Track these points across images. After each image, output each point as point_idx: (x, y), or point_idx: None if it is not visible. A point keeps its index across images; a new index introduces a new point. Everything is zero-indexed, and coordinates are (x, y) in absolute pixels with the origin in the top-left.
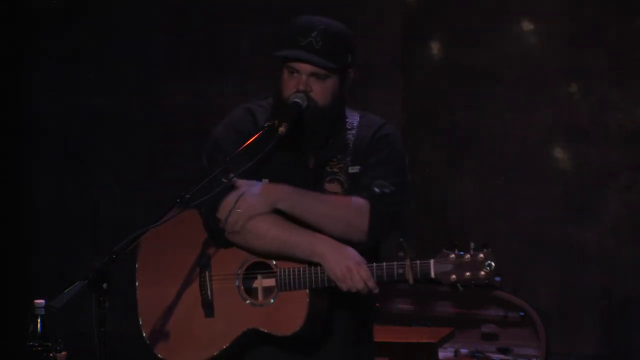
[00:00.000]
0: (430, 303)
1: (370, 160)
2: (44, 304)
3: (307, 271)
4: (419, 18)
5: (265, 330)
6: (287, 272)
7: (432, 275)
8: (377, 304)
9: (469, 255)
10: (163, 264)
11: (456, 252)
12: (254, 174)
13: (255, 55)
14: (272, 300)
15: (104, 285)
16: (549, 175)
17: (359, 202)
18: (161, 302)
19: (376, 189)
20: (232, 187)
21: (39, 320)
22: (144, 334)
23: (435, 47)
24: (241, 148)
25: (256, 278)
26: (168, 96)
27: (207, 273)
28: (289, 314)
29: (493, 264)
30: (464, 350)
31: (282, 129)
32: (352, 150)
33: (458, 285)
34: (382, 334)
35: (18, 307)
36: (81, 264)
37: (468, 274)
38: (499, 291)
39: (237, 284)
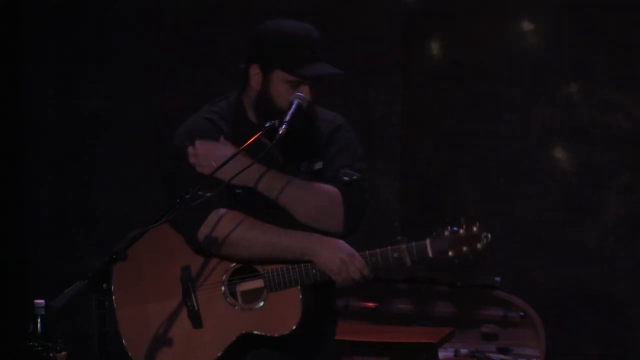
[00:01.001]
0: (430, 303)
1: (331, 151)
2: (44, 304)
3: (295, 269)
4: (419, 18)
5: (261, 333)
6: (275, 272)
7: (430, 254)
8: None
9: (463, 230)
10: (140, 282)
11: (449, 228)
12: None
13: None
14: (262, 303)
15: (104, 285)
16: (549, 175)
17: (331, 189)
18: (144, 320)
19: (345, 178)
20: (208, 206)
21: (39, 320)
22: (130, 354)
23: (435, 47)
24: (238, 151)
25: (241, 283)
26: (168, 96)
27: (189, 284)
28: (283, 313)
29: (490, 235)
30: (464, 350)
31: (282, 130)
32: (315, 146)
33: (455, 261)
34: (382, 334)
35: (18, 307)
36: (81, 264)
37: (465, 248)
38: (499, 291)
39: (222, 291)
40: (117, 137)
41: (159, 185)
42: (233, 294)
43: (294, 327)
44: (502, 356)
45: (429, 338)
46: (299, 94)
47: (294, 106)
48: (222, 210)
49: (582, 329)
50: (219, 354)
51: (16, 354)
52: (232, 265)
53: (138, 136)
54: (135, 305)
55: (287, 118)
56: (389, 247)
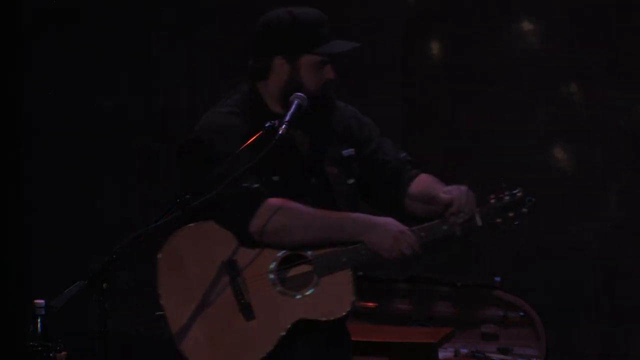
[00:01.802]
0: (430, 303)
1: (373, 139)
2: (44, 304)
3: (345, 251)
4: (419, 18)
5: (316, 318)
6: (324, 257)
7: (479, 223)
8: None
9: (508, 197)
10: (186, 282)
11: (494, 196)
12: (261, 169)
13: None
14: (313, 288)
15: (104, 285)
16: (549, 175)
17: None
18: (196, 319)
19: (407, 156)
20: (255, 193)
21: (39, 320)
22: (186, 355)
23: (435, 47)
24: (242, 148)
25: (289, 271)
26: (168, 96)
27: (238, 278)
28: (336, 296)
29: (533, 198)
30: (464, 350)
31: (282, 129)
32: (341, 132)
33: (503, 227)
34: (382, 334)
35: (18, 307)
36: (81, 264)
37: (512, 214)
38: (499, 291)
39: (272, 280)
40: (117, 137)
41: (158, 185)
42: (282, 282)
43: (350, 309)
44: (502, 356)
45: (429, 338)
46: (299, 94)
47: (294, 106)
48: (273, 200)
49: (582, 329)
50: (275, 343)
51: (16, 354)
52: (279, 253)
53: (138, 136)
54: (185, 306)
55: (287, 118)
56: (437, 220)
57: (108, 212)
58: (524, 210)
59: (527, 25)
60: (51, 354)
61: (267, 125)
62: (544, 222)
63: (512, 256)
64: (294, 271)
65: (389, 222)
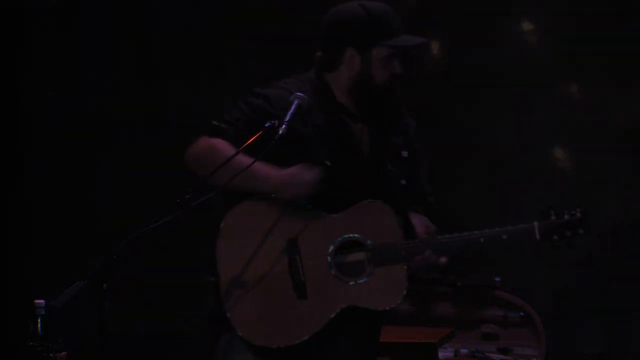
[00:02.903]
0: (430, 303)
1: (423, 160)
2: (44, 304)
3: (403, 246)
4: (419, 18)
5: (366, 306)
6: (383, 248)
7: (537, 237)
8: None
9: (567, 216)
10: (245, 255)
11: (554, 213)
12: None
13: (255, 55)
14: (367, 277)
15: (104, 285)
16: (549, 175)
17: None
18: (250, 293)
19: (434, 207)
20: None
21: (39, 320)
22: (236, 327)
23: (435, 47)
24: (238, 151)
25: (346, 257)
26: (168, 96)
27: (297, 257)
28: (388, 288)
29: (591, 221)
30: (464, 350)
31: (282, 130)
32: (402, 134)
33: (556, 244)
34: (382, 334)
35: (18, 307)
36: (81, 264)
37: (569, 233)
38: (499, 291)
39: (329, 264)
40: (117, 136)
41: (158, 185)
42: (338, 267)
43: (399, 302)
44: (502, 356)
45: (429, 338)
46: (299, 94)
47: (293, 106)
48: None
49: (582, 329)
50: (322, 325)
51: (16, 354)
52: (339, 238)
53: (138, 136)
54: (240, 276)
55: (287, 118)
56: (497, 228)
57: (108, 213)
58: (581, 231)
59: (527, 25)
60: (51, 354)
61: (267, 125)
62: None
63: (512, 256)
64: (351, 258)
65: (284, 177)
